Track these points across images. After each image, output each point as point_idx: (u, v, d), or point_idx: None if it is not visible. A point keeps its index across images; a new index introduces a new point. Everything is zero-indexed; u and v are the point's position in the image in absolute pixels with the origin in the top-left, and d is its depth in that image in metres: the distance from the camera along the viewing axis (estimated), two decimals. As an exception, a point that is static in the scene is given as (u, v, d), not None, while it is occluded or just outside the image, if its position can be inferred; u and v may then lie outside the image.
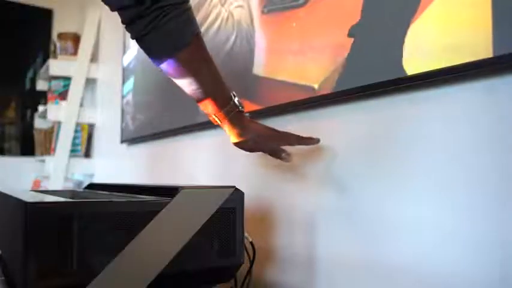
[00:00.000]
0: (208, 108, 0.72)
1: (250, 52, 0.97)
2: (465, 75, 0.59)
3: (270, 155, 0.77)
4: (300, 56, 0.83)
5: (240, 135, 0.74)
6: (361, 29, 0.71)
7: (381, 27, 0.67)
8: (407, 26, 0.63)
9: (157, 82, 1.49)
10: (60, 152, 2.34)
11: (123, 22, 0.64)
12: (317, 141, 0.77)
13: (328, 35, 0.77)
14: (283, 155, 0.76)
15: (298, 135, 0.77)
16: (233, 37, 1.05)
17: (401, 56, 0.64)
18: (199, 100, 0.71)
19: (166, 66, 0.67)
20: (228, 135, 0.75)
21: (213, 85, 0.70)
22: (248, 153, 0.78)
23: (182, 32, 0.64)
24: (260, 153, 0.78)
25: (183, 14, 0.63)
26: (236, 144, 0.76)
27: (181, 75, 0.68)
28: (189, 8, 0.65)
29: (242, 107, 0.73)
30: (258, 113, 0.92)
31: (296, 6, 0.85)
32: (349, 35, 0.72)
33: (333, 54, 0.76)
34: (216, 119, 0.73)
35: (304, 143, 0.78)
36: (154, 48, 0.65)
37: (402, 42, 0.64)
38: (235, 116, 0.72)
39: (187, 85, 0.69)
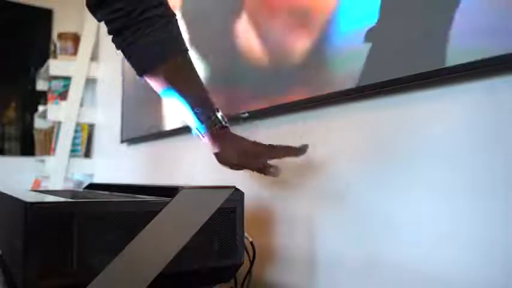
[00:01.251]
0: (190, 121, 0.70)
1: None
2: (465, 75, 0.59)
3: (257, 172, 0.72)
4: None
5: (222, 151, 0.71)
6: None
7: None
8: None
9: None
10: (60, 152, 2.34)
11: (109, 33, 0.64)
12: (306, 148, 0.71)
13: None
14: (271, 170, 0.71)
15: (286, 147, 0.72)
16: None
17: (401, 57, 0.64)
18: (181, 112, 0.69)
19: (148, 77, 0.66)
20: (211, 151, 0.73)
21: (196, 99, 0.68)
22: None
23: (166, 44, 0.63)
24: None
25: (168, 25, 0.63)
26: (219, 160, 0.73)
27: (163, 88, 0.67)
28: (175, 21, 0.64)
29: (226, 122, 0.71)
30: (262, 112, 0.92)
31: None
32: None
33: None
34: (198, 133, 0.71)
35: (293, 154, 0.72)
36: (137, 59, 0.65)
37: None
38: (217, 132, 0.70)
39: (170, 97, 0.68)
